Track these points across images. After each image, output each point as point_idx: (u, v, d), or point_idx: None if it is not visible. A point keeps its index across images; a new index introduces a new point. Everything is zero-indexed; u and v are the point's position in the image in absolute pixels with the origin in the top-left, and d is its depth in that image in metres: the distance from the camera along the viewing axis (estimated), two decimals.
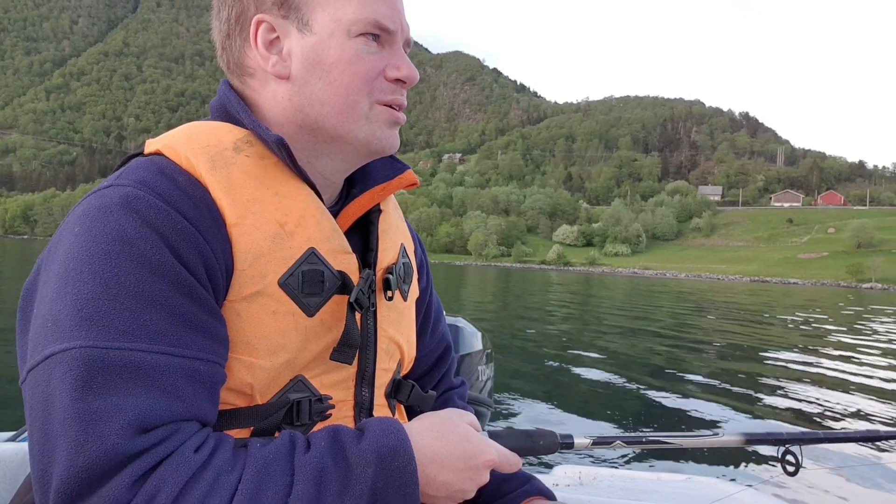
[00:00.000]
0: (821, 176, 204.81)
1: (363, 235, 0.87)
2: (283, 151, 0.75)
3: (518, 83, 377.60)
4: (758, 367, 9.60)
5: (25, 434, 1.38)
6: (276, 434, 0.74)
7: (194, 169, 0.72)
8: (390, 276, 0.86)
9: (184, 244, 0.66)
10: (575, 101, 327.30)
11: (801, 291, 60.34)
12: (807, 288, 79.64)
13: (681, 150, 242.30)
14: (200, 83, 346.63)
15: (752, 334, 14.93)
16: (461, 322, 1.89)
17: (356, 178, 0.89)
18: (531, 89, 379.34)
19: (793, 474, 0.90)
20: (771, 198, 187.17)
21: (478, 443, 0.74)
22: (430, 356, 1.06)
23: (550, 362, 9.23)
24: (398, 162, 0.90)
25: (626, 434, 0.91)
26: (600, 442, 0.90)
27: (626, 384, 7.79)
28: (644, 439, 0.92)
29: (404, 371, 0.96)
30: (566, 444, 0.88)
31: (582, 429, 5.81)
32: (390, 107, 0.81)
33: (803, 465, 0.90)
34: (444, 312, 1.67)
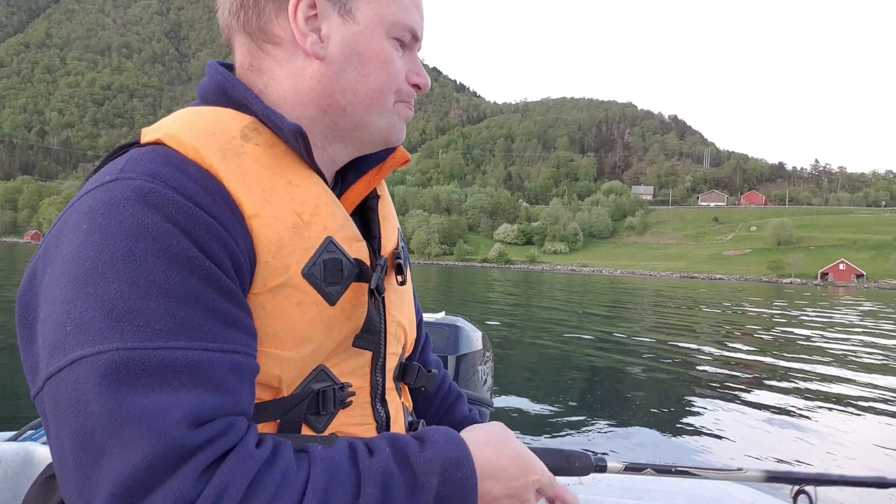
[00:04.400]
0: (744, 177, 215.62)
1: (362, 222, 0.88)
2: (299, 141, 0.74)
3: (458, 83, 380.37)
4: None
5: (26, 434, 1.39)
6: (303, 426, 0.74)
7: (203, 160, 0.69)
8: (401, 262, 0.88)
9: (208, 238, 0.64)
10: (513, 102, 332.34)
11: (728, 286, 64.15)
12: (732, 283, 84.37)
13: (615, 151, 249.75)
14: (128, 76, 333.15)
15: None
16: (461, 322, 1.88)
17: (347, 165, 0.88)
18: (471, 89, 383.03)
19: None
20: (698, 197, 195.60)
21: (530, 460, 0.75)
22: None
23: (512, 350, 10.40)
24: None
25: (657, 463, 0.97)
26: (632, 468, 0.94)
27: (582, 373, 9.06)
28: (673, 469, 0.97)
29: (407, 354, 0.97)
30: (600, 467, 0.90)
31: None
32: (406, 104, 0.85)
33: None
34: (444, 313, 1.94)
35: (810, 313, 23.44)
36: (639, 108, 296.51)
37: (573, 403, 6.66)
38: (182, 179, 0.65)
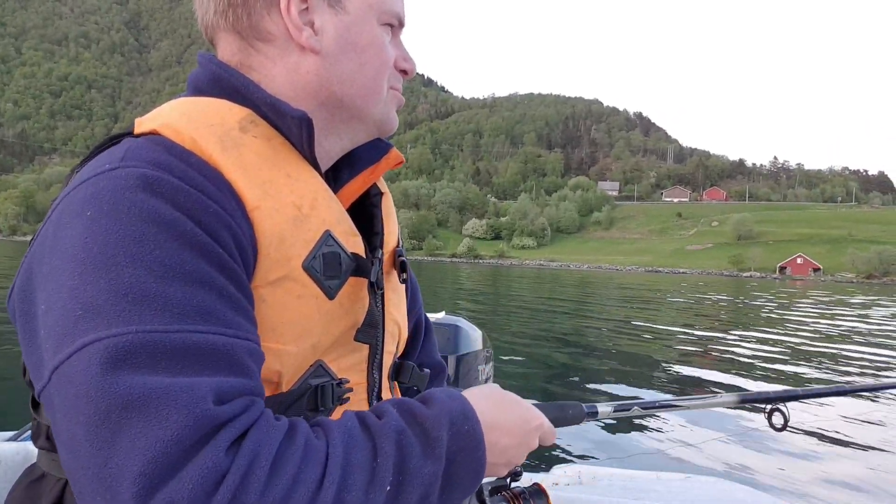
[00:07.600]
0: (706, 173, 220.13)
1: (361, 219, 0.87)
2: (303, 129, 0.74)
3: (426, 77, 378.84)
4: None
5: (26, 434, 1.36)
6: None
7: (202, 150, 0.67)
8: (404, 259, 0.88)
9: (216, 226, 0.62)
10: (481, 97, 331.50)
11: (691, 279, 65.78)
12: (694, 276, 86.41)
13: (581, 147, 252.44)
14: (86, 67, 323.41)
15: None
16: (461, 322, 1.89)
17: (342, 162, 0.87)
18: (439, 84, 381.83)
19: (780, 430, 1.02)
20: (662, 193, 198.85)
21: (528, 408, 0.78)
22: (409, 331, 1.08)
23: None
24: (381, 142, 0.89)
25: (643, 400, 1.02)
26: (620, 409, 0.99)
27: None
28: (657, 403, 1.03)
29: (399, 353, 0.97)
30: (591, 412, 0.95)
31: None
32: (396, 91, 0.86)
33: (790, 421, 1.02)
34: (445, 312, 1.92)
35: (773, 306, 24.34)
36: (605, 104, 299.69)
37: (557, 370, 7.06)
38: (186, 169, 0.64)
